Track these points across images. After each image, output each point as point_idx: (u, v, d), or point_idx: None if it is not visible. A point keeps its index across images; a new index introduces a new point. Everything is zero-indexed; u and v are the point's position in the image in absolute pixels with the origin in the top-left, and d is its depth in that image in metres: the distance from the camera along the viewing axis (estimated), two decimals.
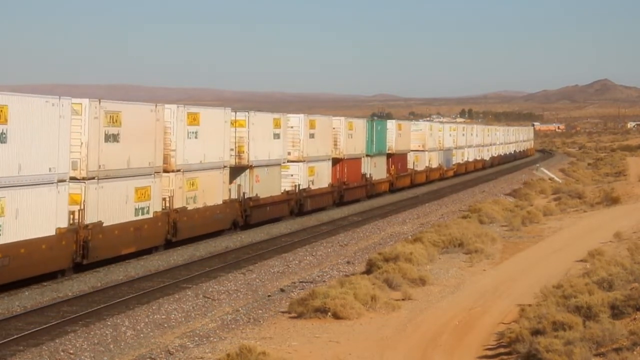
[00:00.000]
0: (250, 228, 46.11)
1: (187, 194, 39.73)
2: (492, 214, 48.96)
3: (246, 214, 45.92)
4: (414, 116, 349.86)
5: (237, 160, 45.63)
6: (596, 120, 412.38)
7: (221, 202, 43.00)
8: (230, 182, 44.66)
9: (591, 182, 79.37)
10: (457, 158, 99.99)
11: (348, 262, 36.27)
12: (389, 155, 72.08)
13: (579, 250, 34.42)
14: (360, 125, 64.44)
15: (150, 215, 36.38)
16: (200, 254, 38.06)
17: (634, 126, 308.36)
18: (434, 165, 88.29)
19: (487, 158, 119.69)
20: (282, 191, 50.57)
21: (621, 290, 22.29)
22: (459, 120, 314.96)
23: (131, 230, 34.88)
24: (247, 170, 46.38)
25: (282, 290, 30.09)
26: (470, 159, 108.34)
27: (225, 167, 43.49)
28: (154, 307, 27.05)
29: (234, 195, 45.01)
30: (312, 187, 54.31)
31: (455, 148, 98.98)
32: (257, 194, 46.75)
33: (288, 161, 51.75)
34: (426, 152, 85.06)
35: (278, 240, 43.21)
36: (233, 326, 24.34)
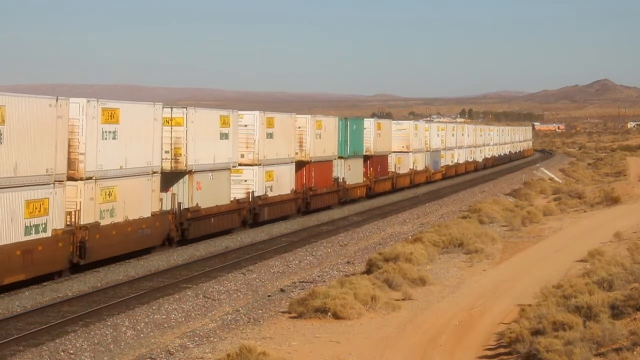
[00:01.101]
0: (188, 243, 40.07)
1: (102, 206, 33.06)
2: (492, 214, 48.96)
3: (183, 227, 39.40)
4: (414, 116, 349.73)
5: (173, 165, 39.48)
6: (596, 120, 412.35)
7: (149, 215, 36.32)
8: (166, 190, 38.82)
9: (591, 182, 79.38)
10: (446, 160, 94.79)
11: (348, 262, 36.27)
12: (366, 158, 66.64)
13: (579, 250, 34.42)
14: (330, 124, 58.33)
15: (48, 233, 29.88)
16: (200, 254, 38.06)
17: (634, 126, 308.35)
18: (420, 167, 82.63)
19: (479, 159, 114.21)
20: (232, 199, 44.19)
21: (621, 290, 22.29)
22: (459, 120, 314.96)
23: (17, 253, 28.18)
24: (186, 177, 40.03)
25: (282, 290, 30.09)
26: (461, 161, 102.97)
27: (155, 173, 36.79)
28: (154, 307, 27.05)
29: (167, 206, 38.66)
30: (270, 194, 48.27)
31: (444, 149, 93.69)
32: (197, 204, 40.41)
33: (240, 165, 45.71)
34: (410, 154, 79.44)
35: (278, 240, 43.21)
36: (233, 326, 24.34)
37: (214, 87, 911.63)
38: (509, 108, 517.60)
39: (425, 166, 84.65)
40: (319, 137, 55.56)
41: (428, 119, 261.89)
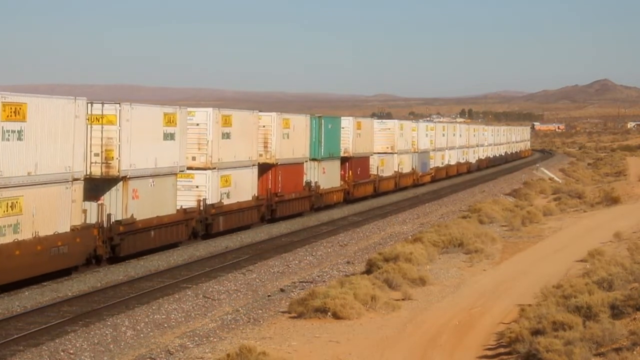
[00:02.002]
0: (122, 261, 34.97)
1: (1, 221, 27.69)
2: (492, 214, 48.96)
3: (113, 243, 34.01)
4: (414, 116, 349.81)
5: (103, 170, 34.12)
6: (596, 120, 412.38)
7: (68, 230, 30.80)
8: (96, 200, 34.04)
9: (591, 182, 79.40)
10: (436, 161, 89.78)
11: (348, 262, 36.27)
12: (344, 160, 61.46)
13: (579, 250, 34.42)
14: (300, 123, 53.05)
15: None
16: (200, 254, 38.06)
17: (634, 126, 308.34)
18: (406, 169, 77.40)
19: (472, 161, 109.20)
20: (179, 209, 38.82)
21: (621, 290, 22.29)
22: (458, 120, 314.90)
23: None
24: (120, 183, 34.56)
25: (282, 290, 30.10)
26: (452, 162, 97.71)
27: (77, 180, 31.25)
28: (154, 307, 27.05)
29: (93, 219, 33.45)
30: (227, 202, 43.12)
31: (434, 150, 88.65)
32: (132, 215, 34.98)
33: (190, 169, 40.80)
34: (395, 155, 74.21)
35: (278, 240, 43.20)
36: (233, 326, 24.34)
37: (214, 87, 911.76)
38: (509, 108, 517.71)
39: (412, 168, 79.53)
40: (286, 137, 50.36)
41: (428, 118, 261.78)
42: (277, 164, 49.38)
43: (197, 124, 41.63)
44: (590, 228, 43.80)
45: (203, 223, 41.34)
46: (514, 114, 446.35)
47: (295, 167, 52.20)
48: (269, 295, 29.15)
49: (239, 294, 29.70)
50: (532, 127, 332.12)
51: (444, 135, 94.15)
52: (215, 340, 22.59)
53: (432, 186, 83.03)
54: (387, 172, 72.26)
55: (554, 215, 51.24)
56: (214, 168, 42.11)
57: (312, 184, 54.59)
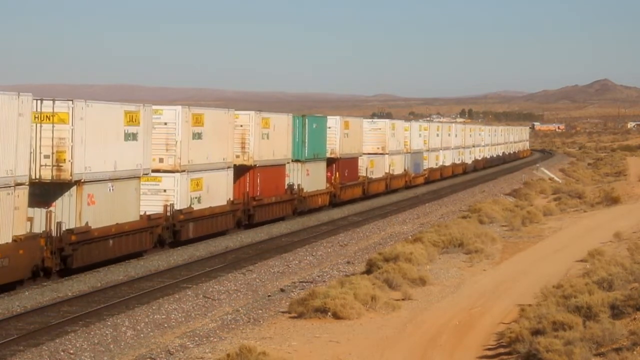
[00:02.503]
0: (74, 274, 31.89)
1: None
2: (492, 214, 48.97)
3: (64, 254, 30.86)
4: (414, 116, 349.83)
5: (54, 174, 31.18)
6: (596, 120, 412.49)
7: (10, 241, 27.63)
8: (46, 206, 31.06)
9: (591, 182, 79.41)
10: (430, 162, 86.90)
11: (348, 262, 36.28)
12: (331, 161, 58.63)
13: (579, 250, 34.43)
14: (282, 122, 50.31)
15: None
16: (200, 254, 38.06)
17: (634, 126, 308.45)
18: (398, 171, 74.45)
19: (468, 161, 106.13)
20: (142, 215, 35.85)
21: (621, 290, 22.30)
22: (458, 120, 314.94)
23: None
24: (73, 188, 31.57)
25: (282, 290, 30.10)
26: (447, 163, 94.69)
27: (20, 185, 28.13)
28: (154, 307, 27.06)
29: (39, 228, 30.38)
30: (198, 207, 40.07)
31: (428, 150, 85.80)
32: (87, 223, 31.95)
33: (157, 171, 37.85)
34: (386, 156, 71.28)
35: (278, 240, 43.20)
36: (233, 326, 24.35)
37: (214, 87, 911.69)
38: (509, 108, 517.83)
39: (405, 169, 76.67)
40: (266, 137, 47.48)
41: (428, 118, 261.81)
42: (255, 165, 46.58)
43: (165, 123, 38.60)
44: (590, 228, 43.81)
45: (170, 230, 38.27)
46: (514, 114, 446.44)
47: (275, 169, 49.36)
48: (269, 295, 29.15)
49: (239, 294, 29.71)
50: (532, 127, 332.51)
51: (438, 135, 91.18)
52: (215, 340, 22.59)
53: (431, 186, 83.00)
54: (377, 174, 69.39)
55: (554, 215, 51.25)
56: (184, 171, 39.12)
57: (295, 187, 52.09)
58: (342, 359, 20.01)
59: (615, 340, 17.94)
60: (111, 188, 33.66)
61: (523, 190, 68.23)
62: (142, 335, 23.80)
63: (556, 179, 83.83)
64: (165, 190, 38.46)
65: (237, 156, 45.31)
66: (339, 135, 59.93)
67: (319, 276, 32.92)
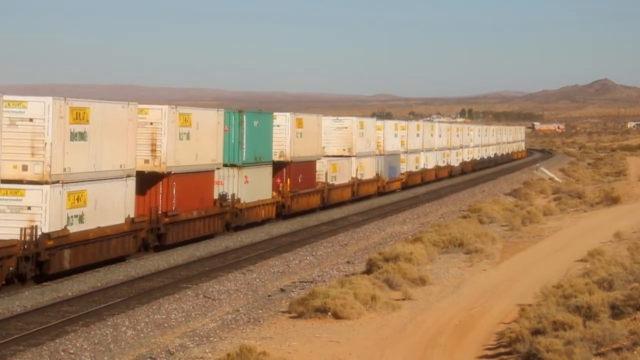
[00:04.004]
0: None
1: None
2: (492, 214, 48.98)
3: None
4: (414, 116, 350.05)
5: None
6: (596, 120, 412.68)
7: None
8: None
9: (591, 182, 79.43)
10: (409, 165, 79.37)
11: (348, 262, 36.29)
12: (280, 165, 50.86)
13: (579, 250, 34.43)
14: (208, 119, 41.77)
15: None
16: (200, 254, 38.07)
17: (634, 126, 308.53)
18: (368, 175, 66.65)
19: (455, 164, 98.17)
20: None
21: (621, 290, 22.32)
22: (459, 120, 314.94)
23: None
24: None
25: (282, 290, 30.11)
26: (430, 166, 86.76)
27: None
28: (154, 307, 27.06)
29: None
30: (79, 228, 31.43)
31: (405, 152, 78.20)
32: None
33: (17, 182, 29.74)
34: (353, 159, 63.17)
35: (278, 240, 43.19)
36: (233, 326, 24.36)
37: (214, 87, 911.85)
38: (509, 108, 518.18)
39: (377, 173, 68.92)
40: (186, 137, 39.26)
41: (428, 118, 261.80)
42: (170, 173, 37.90)
43: (31, 120, 30.10)
44: (590, 228, 43.81)
45: (32, 261, 29.32)
46: (514, 114, 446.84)
47: (199, 177, 40.80)
48: (269, 295, 29.16)
49: (239, 293, 29.71)
50: (532, 127, 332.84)
51: (418, 135, 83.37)
52: (215, 340, 22.60)
53: (431, 186, 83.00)
54: (342, 179, 60.88)
55: (554, 215, 51.26)
56: (57, 182, 30.35)
57: (228, 198, 44.01)
58: (342, 359, 20.01)
59: (615, 340, 17.94)
60: None
61: (523, 190, 68.24)
62: (142, 335, 23.81)
63: (556, 178, 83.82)
64: (29, 208, 29.80)
65: (146, 161, 37.11)
66: (289, 135, 51.39)
67: (319, 276, 32.92)
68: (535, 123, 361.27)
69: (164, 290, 29.78)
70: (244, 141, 45.33)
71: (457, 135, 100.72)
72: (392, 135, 73.83)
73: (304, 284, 31.12)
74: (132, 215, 34.92)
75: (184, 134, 39.19)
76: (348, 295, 24.54)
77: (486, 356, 19.95)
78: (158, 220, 37.35)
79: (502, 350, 19.96)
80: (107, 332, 23.93)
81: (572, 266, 31.37)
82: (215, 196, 42.97)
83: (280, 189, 50.82)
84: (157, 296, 28.81)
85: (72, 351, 21.94)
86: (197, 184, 40.52)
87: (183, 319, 25.79)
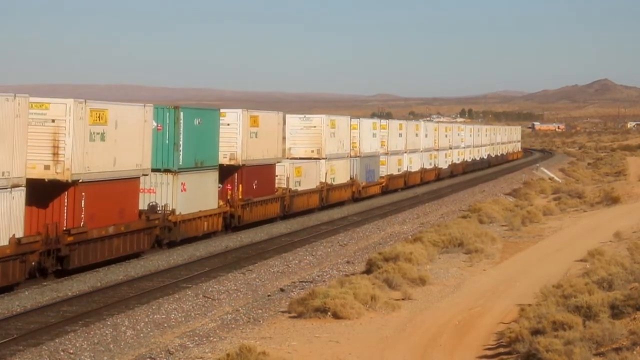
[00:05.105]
0: None
1: None
2: (492, 214, 48.97)
3: None
4: (414, 116, 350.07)
5: None
6: (596, 120, 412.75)
7: None
8: None
9: (591, 181, 79.42)
10: (390, 168, 72.81)
11: (348, 262, 36.28)
12: (230, 170, 44.82)
13: (579, 250, 34.43)
14: (132, 116, 35.29)
15: None
16: (200, 254, 38.06)
17: (634, 126, 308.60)
18: (340, 179, 60.32)
19: (443, 166, 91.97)
20: None
21: (621, 290, 22.32)
22: (459, 120, 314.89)
23: None
24: None
25: (282, 290, 30.11)
26: (415, 168, 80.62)
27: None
28: (154, 307, 27.06)
29: None
30: None
31: (386, 154, 71.88)
32: None
33: None
34: (322, 161, 57.06)
35: (278, 240, 43.18)
36: (233, 326, 24.35)
37: (214, 87, 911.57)
38: (509, 108, 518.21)
39: (351, 177, 62.74)
40: (100, 138, 32.88)
41: (428, 118, 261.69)
42: (77, 181, 31.70)
43: None
44: (590, 228, 43.81)
45: None
46: (514, 113, 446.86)
47: (119, 185, 34.32)
48: (269, 295, 29.16)
49: (239, 293, 29.71)
50: (532, 127, 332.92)
51: (401, 135, 76.88)
52: (215, 340, 22.60)
53: (431, 186, 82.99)
54: (308, 184, 54.56)
55: (554, 215, 51.26)
56: None
57: (159, 209, 37.64)
58: (342, 358, 20.01)
59: (615, 340, 17.94)
60: None
61: (523, 190, 68.25)
62: (142, 335, 23.80)
63: (556, 178, 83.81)
64: None
65: (46, 167, 31.15)
66: (241, 134, 45.18)
67: (318, 276, 32.92)
68: (535, 123, 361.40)
69: (164, 290, 29.78)
70: (181, 142, 39.09)
71: (446, 136, 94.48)
72: (369, 135, 67.59)
73: (304, 284, 31.12)
74: (19, 235, 28.27)
75: (97, 133, 32.67)
76: (348, 295, 24.54)
77: (486, 356, 19.95)
78: (58, 240, 30.70)
79: (501, 350, 19.96)
80: (107, 332, 23.93)
81: (572, 266, 31.37)
82: (144, 207, 37.00)
83: (229, 197, 44.55)
84: (157, 296, 28.81)
85: (71, 351, 21.94)
86: (115, 194, 33.97)
87: (183, 318, 25.78)
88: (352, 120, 64.56)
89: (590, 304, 20.37)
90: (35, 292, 28.93)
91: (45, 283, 30.24)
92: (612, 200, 54.86)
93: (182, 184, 39.12)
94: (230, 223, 44.52)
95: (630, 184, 69.71)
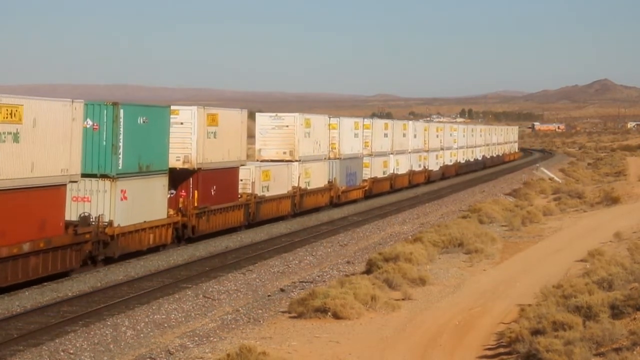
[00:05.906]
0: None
1: None
2: (492, 214, 48.97)
3: None
4: (414, 116, 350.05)
5: None
6: (596, 120, 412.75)
7: None
8: None
9: (591, 182, 79.40)
10: (374, 170, 68.17)
11: (348, 262, 36.28)
12: (184, 174, 40.38)
13: (579, 250, 34.43)
14: (54, 114, 29.99)
15: None
16: (200, 254, 38.06)
17: (634, 126, 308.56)
18: (317, 183, 55.89)
19: (434, 168, 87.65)
20: None
21: (621, 290, 22.32)
22: (459, 120, 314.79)
23: None
24: None
25: (282, 290, 30.11)
26: (402, 171, 76.14)
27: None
28: (154, 307, 27.07)
29: None
30: None
31: (370, 155, 67.34)
32: None
33: None
34: (295, 164, 52.65)
35: (278, 240, 43.17)
36: (233, 326, 24.36)
37: (214, 87, 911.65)
38: (509, 108, 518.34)
39: (330, 181, 58.27)
40: (13, 138, 27.80)
41: (428, 119, 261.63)
42: None
43: None
44: (590, 228, 43.80)
45: None
46: (514, 113, 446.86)
47: (38, 194, 29.28)
48: (269, 295, 29.16)
49: (239, 293, 29.71)
50: (533, 127, 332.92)
51: (386, 135, 72.28)
52: (215, 340, 22.60)
53: (432, 186, 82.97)
54: (277, 189, 49.85)
55: (554, 215, 51.25)
56: None
57: (93, 220, 32.77)
58: (342, 358, 20.01)
59: (615, 340, 17.94)
60: None
61: (523, 190, 68.24)
62: (142, 335, 23.81)
63: (556, 179, 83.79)
64: None
65: None
66: (197, 134, 40.48)
67: (319, 276, 32.92)
68: (535, 123, 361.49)
69: (164, 290, 29.78)
70: (121, 143, 34.30)
71: (437, 136, 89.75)
72: (350, 135, 62.91)
73: (304, 284, 31.12)
74: None
75: (8, 133, 27.64)
76: (348, 295, 24.54)
77: (486, 356, 19.95)
78: None
79: (501, 350, 19.96)
80: (107, 332, 23.93)
81: (572, 266, 31.37)
82: (73, 218, 32.30)
83: (181, 205, 39.88)
84: (157, 296, 28.82)
85: (71, 351, 21.95)
86: (32, 205, 29.06)
87: (183, 319, 25.79)
88: (331, 119, 59.96)
89: (590, 304, 20.37)
90: (35, 292, 28.93)
91: (45, 283, 30.22)
92: (612, 200, 54.85)
93: (122, 191, 34.35)
94: (183, 234, 39.86)
95: (630, 184, 69.69)
